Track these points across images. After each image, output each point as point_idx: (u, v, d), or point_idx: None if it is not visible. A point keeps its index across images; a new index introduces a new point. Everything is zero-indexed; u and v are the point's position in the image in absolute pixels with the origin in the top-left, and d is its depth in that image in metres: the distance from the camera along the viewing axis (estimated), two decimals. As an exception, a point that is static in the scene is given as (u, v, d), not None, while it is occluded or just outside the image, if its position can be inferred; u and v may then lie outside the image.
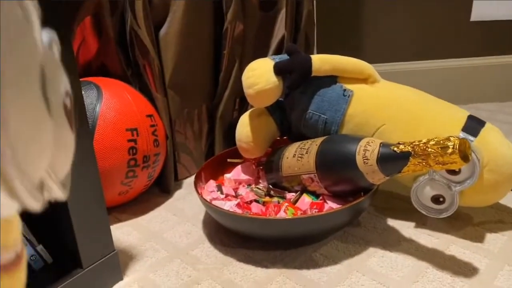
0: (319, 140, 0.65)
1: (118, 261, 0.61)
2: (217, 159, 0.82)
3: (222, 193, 0.72)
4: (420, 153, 0.52)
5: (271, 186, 0.73)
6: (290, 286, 0.58)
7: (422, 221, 0.70)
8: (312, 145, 0.65)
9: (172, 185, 0.86)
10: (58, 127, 0.23)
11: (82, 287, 0.57)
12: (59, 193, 0.22)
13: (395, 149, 0.54)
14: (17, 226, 0.27)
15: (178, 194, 0.86)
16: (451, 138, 0.50)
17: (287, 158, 0.68)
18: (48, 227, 0.58)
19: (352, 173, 0.59)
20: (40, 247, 0.57)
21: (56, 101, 0.23)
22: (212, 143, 0.95)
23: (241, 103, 0.96)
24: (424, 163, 0.52)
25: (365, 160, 0.57)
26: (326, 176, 0.63)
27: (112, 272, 0.60)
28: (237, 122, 0.77)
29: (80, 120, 0.53)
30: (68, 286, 0.55)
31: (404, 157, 0.53)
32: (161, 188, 0.87)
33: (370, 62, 0.72)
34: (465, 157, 0.50)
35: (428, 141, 0.52)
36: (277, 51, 0.97)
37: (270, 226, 0.62)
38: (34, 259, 0.57)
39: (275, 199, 0.69)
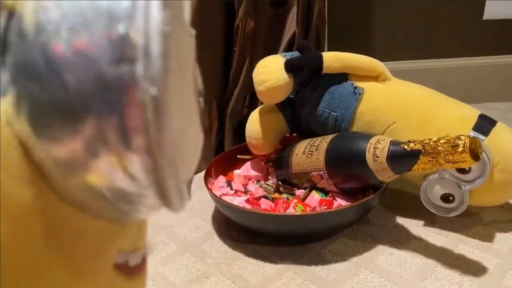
0: (329, 137, 0.66)
1: (129, 254, 0.62)
2: (226, 155, 0.82)
3: (231, 188, 0.73)
4: (430, 151, 0.52)
5: (280, 183, 0.73)
6: (299, 282, 0.58)
7: (431, 220, 0.70)
8: (322, 142, 0.65)
9: (182, 180, 0.87)
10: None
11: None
12: (186, 195, 0.21)
13: (405, 147, 0.54)
14: (147, 228, 0.26)
15: (187, 189, 0.86)
16: (462, 137, 0.50)
17: (297, 155, 0.69)
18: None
19: (362, 170, 0.59)
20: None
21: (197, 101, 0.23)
22: (222, 139, 0.95)
23: (251, 100, 0.96)
24: (434, 162, 0.52)
25: (375, 158, 0.57)
26: (336, 173, 0.63)
27: (123, 264, 0.61)
28: (247, 118, 0.78)
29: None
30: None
31: (414, 155, 0.53)
32: (171, 183, 0.87)
33: (381, 60, 0.72)
34: (475, 156, 0.50)
35: (439, 139, 0.52)
36: (288, 48, 0.97)
37: (279, 222, 0.62)
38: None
39: (284, 196, 0.70)
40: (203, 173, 0.74)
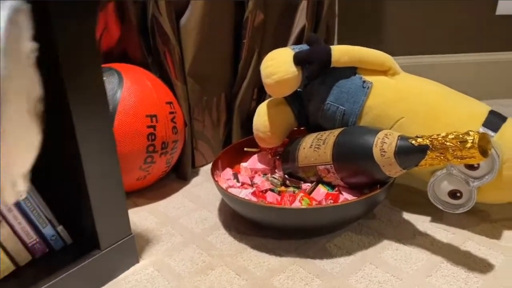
0: (336, 132, 0.65)
1: (135, 245, 0.62)
2: (234, 147, 0.82)
3: (238, 181, 0.73)
4: (438, 146, 0.51)
5: (287, 176, 0.73)
6: (303, 275, 0.58)
7: (438, 216, 0.69)
8: (330, 136, 0.65)
9: (189, 172, 0.87)
10: (31, 129, 0.24)
11: (100, 268, 0.58)
12: (22, 188, 0.23)
13: (413, 142, 0.54)
14: None
15: (195, 181, 0.87)
16: (471, 133, 0.49)
17: (304, 148, 0.69)
18: (68, 208, 0.59)
19: (369, 165, 0.59)
20: (60, 228, 0.59)
21: (33, 106, 0.25)
22: (230, 132, 0.96)
23: (259, 93, 0.96)
24: (442, 157, 0.51)
25: (382, 153, 0.57)
26: (343, 167, 0.63)
27: (129, 255, 0.62)
28: (255, 111, 0.78)
29: (101, 105, 0.54)
30: (86, 266, 0.56)
31: (422, 150, 0.53)
32: (178, 175, 0.88)
33: (392, 54, 0.71)
34: (484, 152, 0.49)
35: (447, 134, 0.51)
36: (298, 41, 0.97)
37: (284, 215, 0.62)
38: (55, 239, 0.59)
39: (291, 189, 0.69)
40: (210, 165, 0.74)
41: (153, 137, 0.74)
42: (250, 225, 0.69)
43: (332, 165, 0.64)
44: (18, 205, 0.55)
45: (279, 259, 0.62)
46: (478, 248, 0.61)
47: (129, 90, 0.74)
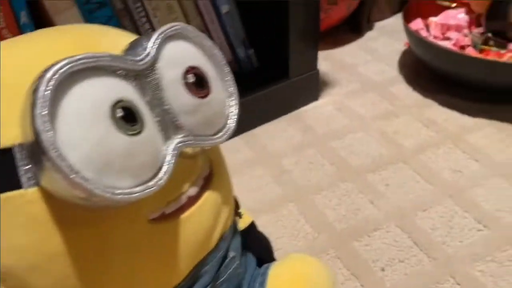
0: None
1: (319, 80, 0.61)
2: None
3: (430, 34, 0.66)
4: None
5: (490, 35, 0.64)
6: (501, 137, 0.53)
7: None
8: None
9: (365, 25, 0.81)
10: None
11: (286, 95, 0.59)
12: None
13: None
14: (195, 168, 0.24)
15: (369, 35, 0.81)
16: None
17: None
18: (263, 33, 0.58)
19: None
20: (251, 51, 0.59)
21: None
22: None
23: None
24: None
25: None
26: None
27: (312, 89, 0.61)
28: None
29: None
30: (274, 91, 0.57)
31: None
32: (353, 27, 0.82)
33: None
34: None
35: None
36: None
37: (493, 69, 0.55)
38: (245, 62, 0.59)
39: (495, 49, 0.61)
40: (385, 21, 0.67)
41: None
42: (436, 83, 0.63)
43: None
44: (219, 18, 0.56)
45: (472, 119, 0.57)
46: None
47: None
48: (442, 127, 0.55)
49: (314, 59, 0.59)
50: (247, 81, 0.58)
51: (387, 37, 0.78)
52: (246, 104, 0.55)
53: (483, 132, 0.54)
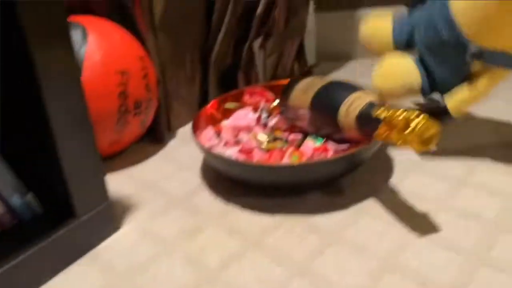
0: (327, 80, 0.62)
1: (114, 211, 0.57)
2: (213, 105, 0.77)
3: (221, 140, 0.68)
4: (388, 121, 0.47)
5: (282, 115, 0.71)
6: (298, 232, 0.55)
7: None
8: (319, 83, 0.62)
9: (166, 134, 0.82)
10: None
11: (77, 237, 0.53)
12: None
13: (373, 111, 0.50)
14: None
15: (171, 144, 0.81)
16: (419, 117, 0.44)
17: (297, 89, 0.66)
18: (38, 176, 0.53)
19: (335, 122, 0.57)
20: (29, 196, 0.53)
21: None
22: (206, 89, 0.90)
23: (237, 46, 0.90)
24: (389, 134, 0.47)
25: (346, 113, 0.55)
26: (316, 116, 0.62)
27: (108, 222, 0.57)
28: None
29: (70, 63, 0.48)
30: (62, 236, 0.51)
31: (377, 122, 0.49)
32: (154, 138, 0.82)
33: None
34: (426, 142, 0.44)
35: (403, 111, 0.46)
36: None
37: (276, 173, 0.58)
38: (23, 209, 0.52)
39: (279, 145, 0.65)
40: (186, 127, 0.69)
41: (125, 96, 0.68)
42: (236, 186, 0.65)
43: (309, 111, 0.62)
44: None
45: (272, 217, 0.58)
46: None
47: (95, 45, 0.66)
48: (245, 233, 0.56)
49: (103, 190, 0.55)
50: (29, 231, 0.52)
51: (189, 144, 0.79)
52: (32, 259, 0.48)
53: (282, 229, 0.56)
